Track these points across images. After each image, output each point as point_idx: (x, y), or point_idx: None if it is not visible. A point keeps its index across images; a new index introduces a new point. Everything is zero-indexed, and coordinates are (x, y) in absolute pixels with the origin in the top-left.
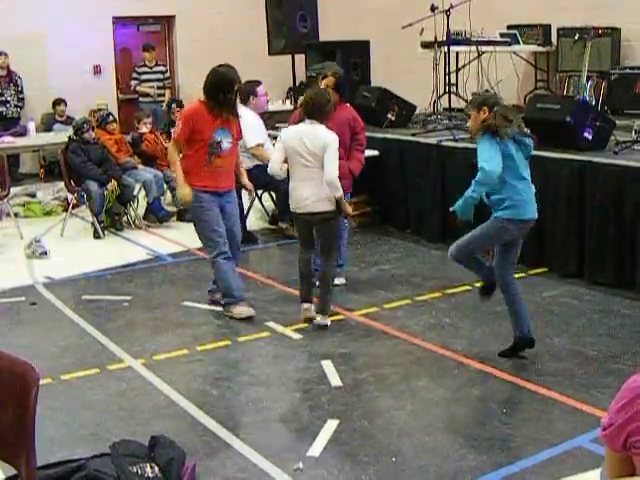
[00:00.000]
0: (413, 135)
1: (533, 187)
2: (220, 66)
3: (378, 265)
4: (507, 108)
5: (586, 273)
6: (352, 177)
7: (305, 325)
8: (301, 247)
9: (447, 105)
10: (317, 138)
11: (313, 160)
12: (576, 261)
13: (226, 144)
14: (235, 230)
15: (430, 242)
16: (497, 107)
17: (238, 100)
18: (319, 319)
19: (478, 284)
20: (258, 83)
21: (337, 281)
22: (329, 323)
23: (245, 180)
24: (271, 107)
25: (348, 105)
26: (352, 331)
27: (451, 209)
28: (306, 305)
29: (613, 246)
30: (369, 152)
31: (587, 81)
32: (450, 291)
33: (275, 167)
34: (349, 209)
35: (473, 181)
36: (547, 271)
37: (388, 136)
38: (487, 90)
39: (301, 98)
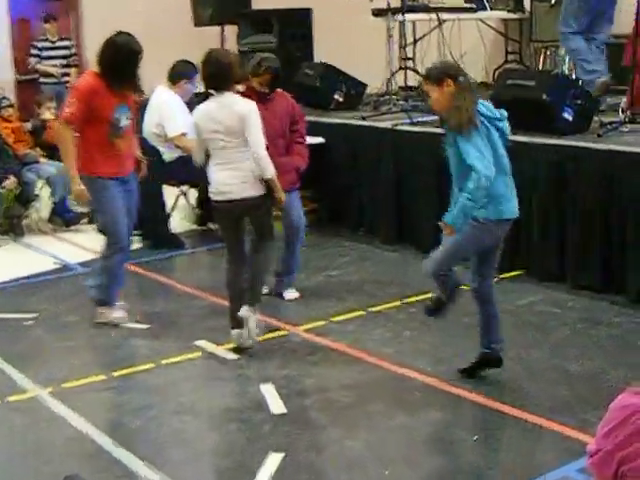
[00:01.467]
0: (364, 119)
1: (512, 180)
2: (118, 35)
3: (326, 271)
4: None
5: (568, 276)
6: (298, 172)
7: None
8: (228, 254)
9: (403, 83)
10: (230, 111)
11: (232, 138)
12: (556, 262)
13: (125, 121)
14: (133, 214)
15: (385, 244)
16: (462, 78)
17: (166, 80)
18: (243, 311)
19: (431, 294)
20: (195, 69)
21: (289, 294)
22: (253, 316)
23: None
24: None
25: (286, 93)
26: (296, 349)
27: (441, 223)
28: (235, 332)
29: (599, 244)
30: (313, 140)
31: (565, 53)
32: (410, 300)
33: (198, 156)
34: (282, 193)
35: (467, 186)
36: (522, 274)
37: (335, 120)
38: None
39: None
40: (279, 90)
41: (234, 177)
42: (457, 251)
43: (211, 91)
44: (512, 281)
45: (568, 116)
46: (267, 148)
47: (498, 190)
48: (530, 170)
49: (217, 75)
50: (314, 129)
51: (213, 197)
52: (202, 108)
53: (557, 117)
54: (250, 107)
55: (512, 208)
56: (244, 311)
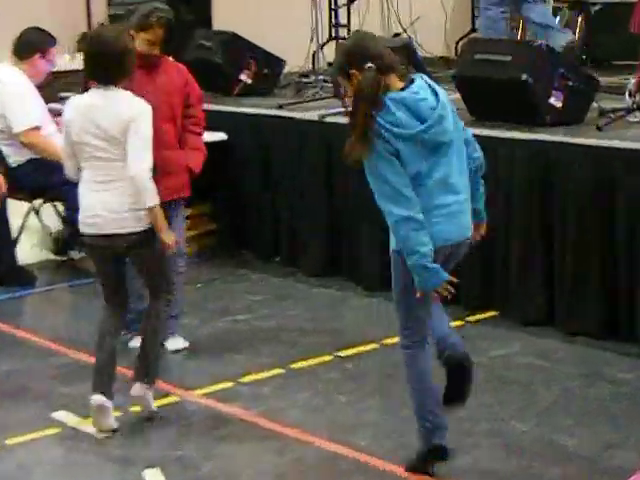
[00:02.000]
0: (281, 107)
1: (460, 186)
2: None
3: (229, 315)
4: (389, 56)
5: (558, 318)
6: (190, 175)
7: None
8: (105, 302)
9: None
10: (114, 112)
11: (110, 148)
12: (542, 300)
13: None
14: None
15: (312, 276)
16: (369, 64)
17: (10, 55)
18: (136, 389)
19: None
20: (52, 40)
21: (173, 344)
22: (150, 395)
23: None
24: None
25: (179, 64)
26: (193, 421)
27: (417, 295)
28: (98, 398)
29: (599, 275)
30: (211, 135)
31: (554, 16)
32: (346, 353)
33: (70, 168)
34: (168, 234)
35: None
36: (497, 316)
37: (241, 110)
38: (397, 35)
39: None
40: (170, 58)
41: (111, 203)
42: (406, 304)
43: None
44: (484, 325)
45: (556, 102)
46: None
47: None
48: (505, 176)
49: (103, 64)
50: (212, 121)
51: (81, 228)
52: (78, 102)
53: (542, 103)
54: (143, 109)
55: (449, 231)
56: (137, 390)
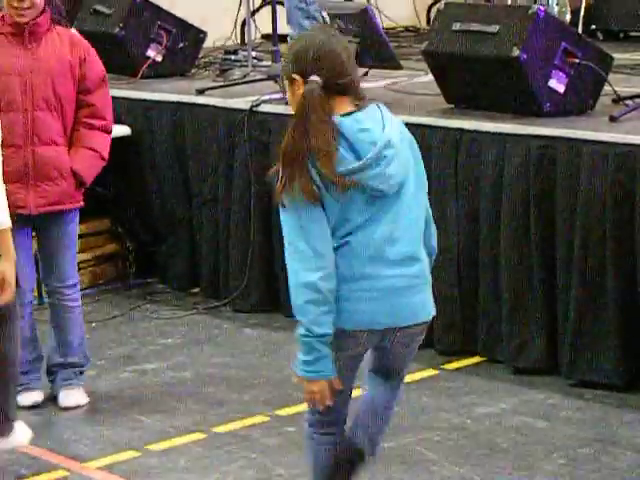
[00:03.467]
0: (201, 92)
1: (410, 254)
2: None
3: (136, 363)
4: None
5: (563, 365)
6: (78, 183)
7: None
8: None
9: (270, 30)
10: None
11: None
12: (541, 343)
13: None
14: None
15: (241, 312)
16: (315, 77)
17: None
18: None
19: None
20: None
21: (69, 398)
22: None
23: None
24: None
25: (72, 30)
26: None
27: (294, 379)
28: None
29: (615, 309)
30: (113, 129)
31: None
32: (286, 412)
33: None
34: (11, 268)
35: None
36: (484, 363)
37: (151, 96)
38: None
39: None
40: (69, 30)
41: None
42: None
43: None
44: (465, 374)
45: (559, 85)
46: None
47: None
48: (493, 181)
49: None
50: (112, 111)
51: None
52: None
53: (539, 87)
54: None
55: (376, 314)
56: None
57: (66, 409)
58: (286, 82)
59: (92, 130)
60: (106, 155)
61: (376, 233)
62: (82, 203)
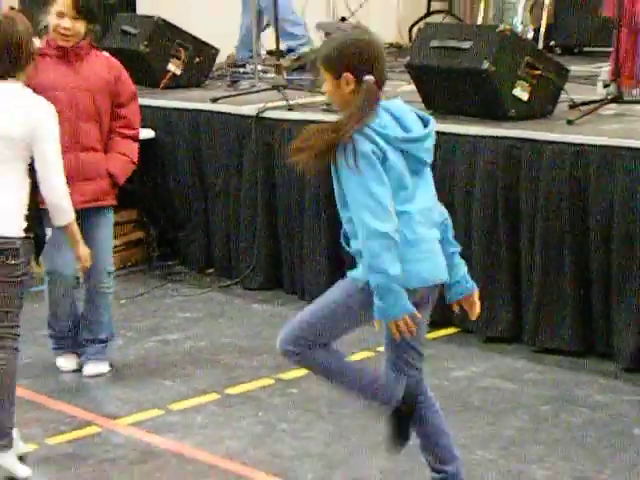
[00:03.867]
0: (214, 101)
1: (434, 221)
2: None
3: (158, 334)
4: (381, 71)
5: (526, 334)
6: (113, 183)
7: None
8: None
9: (274, 46)
10: (14, 109)
11: (7, 150)
12: (509, 315)
13: None
14: None
15: (251, 290)
16: (370, 76)
17: None
18: None
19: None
20: None
21: (92, 368)
22: (23, 475)
23: None
24: None
25: (105, 54)
26: (117, 455)
27: (377, 326)
28: None
29: (571, 287)
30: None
31: None
32: (289, 376)
33: None
34: (84, 250)
35: (364, 251)
36: (459, 333)
37: (170, 104)
38: (344, 19)
39: None
40: (102, 53)
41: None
42: (323, 320)
43: None
44: (445, 342)
45: (522, 93)
46: (65, 146)
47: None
48: (466, 177)
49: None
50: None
51: None
52: None
53: (506, 95)
54: (48, 109)
55: (428, 269)
56: None
57: (91, 377)
58: (329, 76)
59: (124, 139)
60: (136, 159)
61: (424, 201)
62: (115, 202)
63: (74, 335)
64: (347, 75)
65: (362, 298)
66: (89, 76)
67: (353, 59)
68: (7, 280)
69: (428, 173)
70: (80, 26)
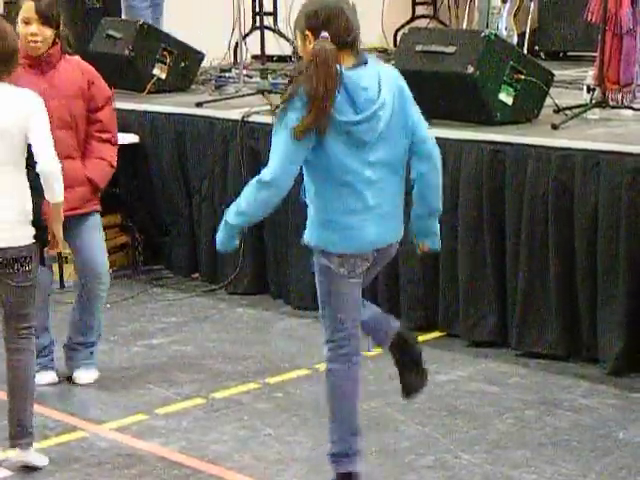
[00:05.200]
0: (199, 105)
1: (384, 194)
2: None
3: (143, 338)
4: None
5: (511, 338)
6: (93, 189)
7: None
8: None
9: (259, 51)
10: (7, 106)
11: (4, 151)
12: (493, 319)
13: None
14: None
15: (235, 294)
16: (324, 33)
17: None
18: (15, 453)
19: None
20: None
21: (85, 376)
22: (43, 463)
23: None
24: None
25: (77, 58)
26: (102, 459)
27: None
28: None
29: (556, 291)
30: (121, 138)
31: (503, 3)
32: (274, 380)
33: None
34: (58, 242)
35: (251, 184)
36: (443, 337)
37: (155, 108)
38: None
39: None
40: (74, 57)
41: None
42: (330, 310)
43: None
44: (429, 347)
45: (507, 98)
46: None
47: (336, 211)
48: (451, 181)
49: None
50: (123, 121)
51: None
52: None
53: (491, 100)
54: (38, 102)
55: (360, 237)
56: (17, 454)
57: (83, 385)
58: (299, 37)
59: (101, 142)
60: (114, 163)
61: (366, 172)
62: (99, 207)
63: (48, 353)
64: (307, 33)
65: (323, 272)
66: (62, 83)
67: (311, 18)
68: (22, 285)
69: (374, 143)
70: (47, 31)
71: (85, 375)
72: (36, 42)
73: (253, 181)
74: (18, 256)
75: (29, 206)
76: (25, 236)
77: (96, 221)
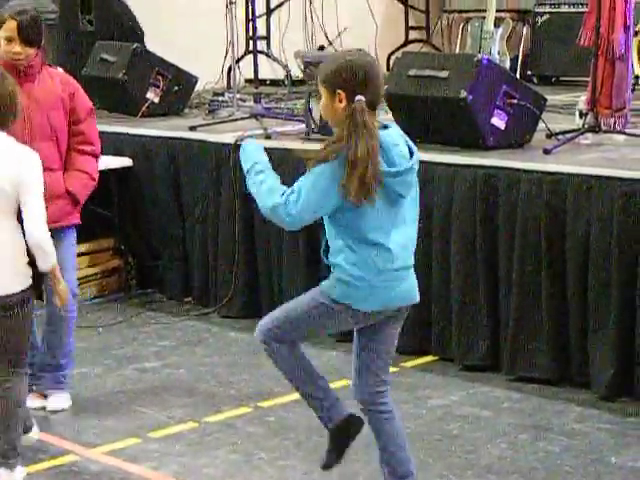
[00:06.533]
0: (193, 129)
1: (406, 254)
2: None
3: (137, 362)
4: (378, 93)
5: (505, 363)
6: (74, 202)
7: None
8: None
9: (252, 75)
10: (3, 160)
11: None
12: (485, 344)
13: None
14: None
15: (228, 318)
16: (361, 97)
17: None
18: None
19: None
20: None
21: (54, 402)
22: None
23: None
24: None
25: (59, 70)
26: None
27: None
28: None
29: (548, 315)
30: (115, 161)
31: (495, 27)
32: (267, 404)
33: None
34: (65, 292)
35: (277, 199)
36: (435, 361)
37: (148, 132)
38: (323, 48)
39: None
40: (57, 69)
41: None
42: (296, 320)
43: None
44: (421, 371)
45: (500, 122)
46: None
47: (364, 269)
48: (444, 205)
49: None
50: (116, 145)
51: None
52: None
53: (483, 124)
54: (35, 161)
55: (381, 299)
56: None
57: (53, 412)
58: (324, 92)
59: (83, 155)
60: (96, 177)
61: (399, 218)
62: (79, 221)
63: (32, 375)
64: (340, 92)
65: (325, 310)
66: (42, 94)
67: (347, 78)
68: (18, 328)
69: (406, 206)
70: (30, 50)
71: (53, 403)
72: (19, 60)
73: (281, 200)
74: (12, 302)
75: (23, 253)
76: (18, 282)
77: (71, 236)
